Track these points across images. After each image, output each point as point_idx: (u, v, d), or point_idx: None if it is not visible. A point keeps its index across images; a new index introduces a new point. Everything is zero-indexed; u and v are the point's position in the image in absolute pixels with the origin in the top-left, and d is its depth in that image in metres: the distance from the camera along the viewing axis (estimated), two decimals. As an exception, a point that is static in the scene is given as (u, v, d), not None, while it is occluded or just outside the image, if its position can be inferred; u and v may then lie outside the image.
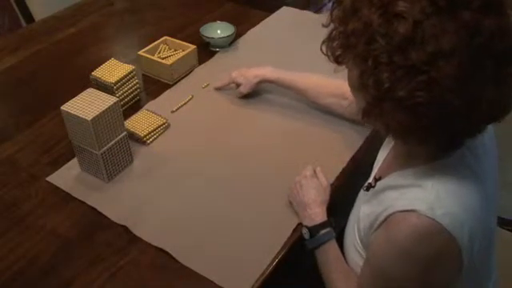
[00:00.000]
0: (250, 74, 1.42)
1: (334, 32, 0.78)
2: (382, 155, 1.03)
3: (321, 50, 0.82)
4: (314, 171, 1.17)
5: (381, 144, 1.07)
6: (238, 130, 1.37)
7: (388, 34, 0.68)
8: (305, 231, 1.06)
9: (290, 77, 1.37)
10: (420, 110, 0.70)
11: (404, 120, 0.72)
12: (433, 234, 0.75)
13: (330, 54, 0.80)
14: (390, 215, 0.80)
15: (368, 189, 0.96)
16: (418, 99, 0.69)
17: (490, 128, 0.89)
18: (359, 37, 0.72)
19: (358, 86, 0.77)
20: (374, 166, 1.04)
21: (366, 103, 0.77)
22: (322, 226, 1.05)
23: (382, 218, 0.82)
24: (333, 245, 1.04)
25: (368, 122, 0.82)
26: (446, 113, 0.70)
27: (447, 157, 0.82)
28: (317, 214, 1.07)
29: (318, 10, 1.98)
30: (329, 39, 0.80)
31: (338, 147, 1.29)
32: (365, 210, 0.93)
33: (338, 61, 0.80)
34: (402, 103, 0.70)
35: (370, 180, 0.99)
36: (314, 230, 1.05)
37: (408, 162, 0.86)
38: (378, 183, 0.93)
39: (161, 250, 1.05)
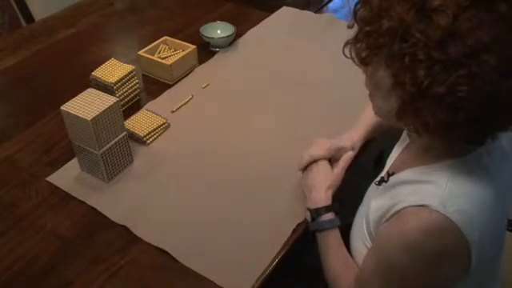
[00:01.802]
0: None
1: (360, 33, 0.77)
2: (396, 151, 1.03)
3: (343, 52, 0.80)
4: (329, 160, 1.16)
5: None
6: (238, 130, 1.37)
7: (426, 30, 0.68)
8: (308, 213, 1.07)
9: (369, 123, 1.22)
10: (461, 104, 0.69)
11: (444, 116, 0.71)
12: (443, 230, 0.75)
13: (354, 55, 0.79)
14: (402, 209, 0.80)
15: (380, 183, 0.96)
16: (459, 94, 0.68)
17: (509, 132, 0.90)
18: (394, 35, 0.71)
19: (390, 85, 0.76)
20: (388, 161, 1.04)
21: (401, 102, 0.76)
22: (325, 209, 1.05)
23: (392, 212, 0.83)
24: (335, 232, 1.04)
25: (400, 122, 0.80)
26: (488, 106, 0.70)
27: (463, 156, 0.82)
28: (321, 197, 1.07)
29: (318, 10, 1.98)
30: (354, 41, 0.78)
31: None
32: (376, 203, 0.93)
33: (364, 62, 0.79)
34: (442, 99, 0.70)
35: (383, 175, 0.99)
36: (315, 212, 1.05)
37: (423, 159, 0.86)
38: (391, 178, 0.93)
39: (161, 249, 1.05)
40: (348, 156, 1.16)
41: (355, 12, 0.78)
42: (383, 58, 0.75)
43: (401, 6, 0.70)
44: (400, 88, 0.74)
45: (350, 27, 0.80)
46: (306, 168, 1.14)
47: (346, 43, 0.80)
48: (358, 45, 0.78)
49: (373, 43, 0.75)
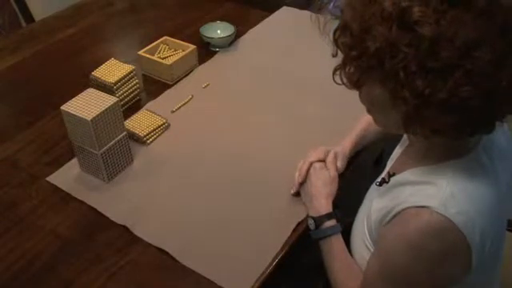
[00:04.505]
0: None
1: (346, 58, 0.77)
2: (397, 152, 1.03)
3: (333, 80, 0.80)
4: (324, 162, 1.17)
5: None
6: (237, 130, 1.37)
7: (413, 42, 0.68)
8: (310, 222, 1.07)
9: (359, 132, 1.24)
10: (466, 104, 0.69)
11: (452, 119, 0.72)
12: (444, 231, 0.76)
13: (346, 81, 0.80)
14: (403, 210, 0.81)
15: (381, 184, 0.97)
16: (462, 94, 0.68)
17: (507, 130, 0.90)
18: (382, 55, 0.71)
19: (390, 101, 0.75)
20: (388, 162, 1.05)
21: (404, 115, 0.75)
22: (327, 216, 1.06)
23: (394, 213, 0.83)
24: (338, 237, 1.05)
25: (408, 131, 0.80)
26: (492, 98, 0.70)
27: (463, 156, 0.82)
28: (322, 205, 1.08)
29: (318, 10, 1.98)
30: (342, 67, 0.79)
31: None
32: (377, 204, 0.93)
33: (357, 85, 0.79)
34: (446, 103, 0.70)
35: (384, 175, 0.99)
36: (319, 220, 1.06)
37: (424, 160, 0.86)
38: (392, 179, 0.93)
39: (161, 249, 1.06)
40: (332, 156, 1.17)
41: (336, 40, 0.78)
42: (376, 78, 0.75)
43: (381, 25, 0.70)
44: (402, 102, 0.73)
45: (334, 56, 0.79)
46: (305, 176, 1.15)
47: (335, 70, 0.80)
48: (347, 69, 0.78)
49: (362, 65, 0.75)
